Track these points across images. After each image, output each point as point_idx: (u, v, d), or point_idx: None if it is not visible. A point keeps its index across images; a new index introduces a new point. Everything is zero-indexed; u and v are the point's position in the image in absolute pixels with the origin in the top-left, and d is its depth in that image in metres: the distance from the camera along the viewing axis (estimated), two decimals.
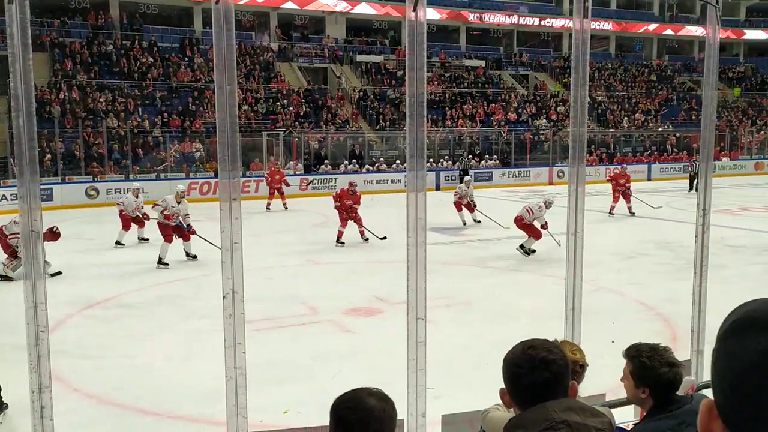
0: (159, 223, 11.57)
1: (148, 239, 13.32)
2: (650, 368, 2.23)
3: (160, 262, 11.21)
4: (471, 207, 15.72)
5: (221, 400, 3.58)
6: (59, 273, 10.51)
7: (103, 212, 18.85)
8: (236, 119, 2.79)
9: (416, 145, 2.89)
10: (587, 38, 3.31)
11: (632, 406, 3.03)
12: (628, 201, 16.83)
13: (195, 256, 11.61)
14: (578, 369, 2.61)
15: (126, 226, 13.37)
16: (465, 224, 15.56)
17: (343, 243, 13.17)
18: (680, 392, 2.35)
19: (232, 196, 2.85)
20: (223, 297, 2.87)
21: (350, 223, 13.38)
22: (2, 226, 10.73)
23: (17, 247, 10.52)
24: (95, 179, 21.63)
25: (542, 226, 12.19)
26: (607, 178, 18.67)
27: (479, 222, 15.76)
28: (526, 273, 10.88)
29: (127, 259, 12.08)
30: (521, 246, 12.08)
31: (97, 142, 23.20)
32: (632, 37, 42.36)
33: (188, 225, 11.66)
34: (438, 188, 24.59)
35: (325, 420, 1.65)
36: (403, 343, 3.15)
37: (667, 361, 2.25)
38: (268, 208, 18.99)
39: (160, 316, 8.53)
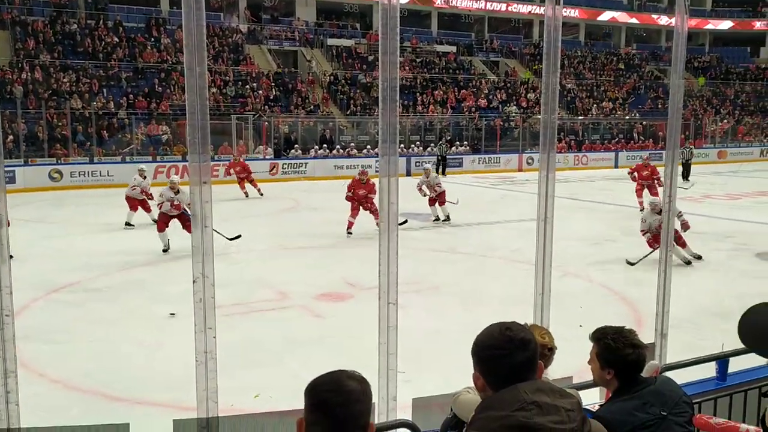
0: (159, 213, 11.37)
1: (134, 226, 13.34)
2: (615, 350, 2.28)
3: (164, 250, 11.03)
4: (442, 200, 14.49)
5: (191, 386, 3.56)
6: (10, 257, 10.16)
7: (68, 195, 18.51)
8: (206, 101, 2.76)
9: (389, 130, 2.88)
10: (559, 25, 3.34)
11: (598, 388, 3.10)
12: (653, 194, 14.52)
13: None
14: (547, 352, 2.65)
15: (134, 207, 13.26)
16: (438, 219, 14.51)
17: (351, 233, 12.59)
18: (644, 374, 2.41)
19: (203, 179, 2.82)
20: (194, 281, 2.85)
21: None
22: None
23: None
24: (59, 161, 21.14)
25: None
26: (628, 171, 16.09)
27: (447, 220, 14.47)
28: (495, 259, 10.99)
29: (94, 243, 11.87)
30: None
31: (60, 123, 22.65)
32: (601, 25, 42.82)
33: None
34: (409, 174, 24.60)
35: (296, 404, 1.63)
36: (373, 328, 3.17)
37: (632, 342, 2.30)
38: (246, 196, 18.43)
39: (127, 301, 8.42)
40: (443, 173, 25.15)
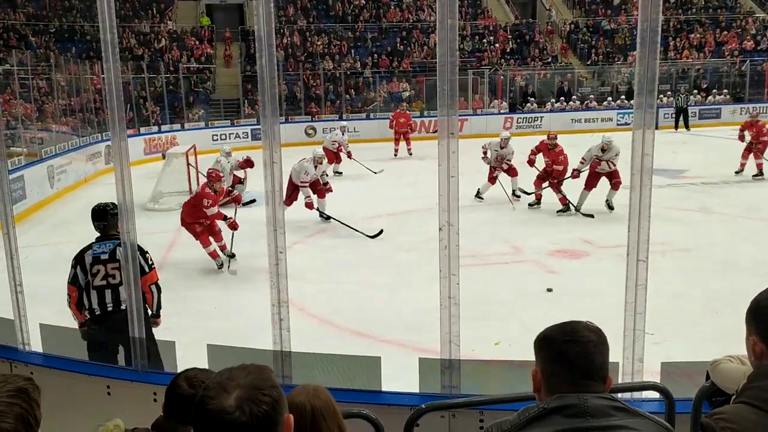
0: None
1: (341, 173, 14.87)
2: None
3: (322, 215, 10.59)
4: (514, 172, 11.89)
5: (429, 330, 3.76)
6: (253, 201, 11.09)
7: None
8: (456, 54, 2.80)
9: (647, 77, 2.68)
10: None
11: None
12: (757, 158, 13.16)
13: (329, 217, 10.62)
14: None
15: (331, 160, 14.32)
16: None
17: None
18: None
19: (451, 131, 2.90)
20: (439, 229, 2.97)
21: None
22: (212, 170, 11.23)
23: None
24: (313, 119, 23.22)
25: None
26: (740, 132, 13.79)
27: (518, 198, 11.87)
28: (757, 221, 9.76)
29: (340, 195, 12.91)
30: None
31: (315, 83, 24.78)
32: None
33: (326, 183, 11.12)
34: (656, 127, 22.70)
35: (532, 357, 1.60)
36: (611, 289, 3.03)
37: None
38: (395, 155, 17.90)
39: (370, 249, 9.07)
40: (686, 127, 22.73)
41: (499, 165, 11.68)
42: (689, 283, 7.04)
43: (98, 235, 4.42)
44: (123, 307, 3.98)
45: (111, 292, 4.26)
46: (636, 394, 2.84)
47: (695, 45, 28.43)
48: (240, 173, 12.21)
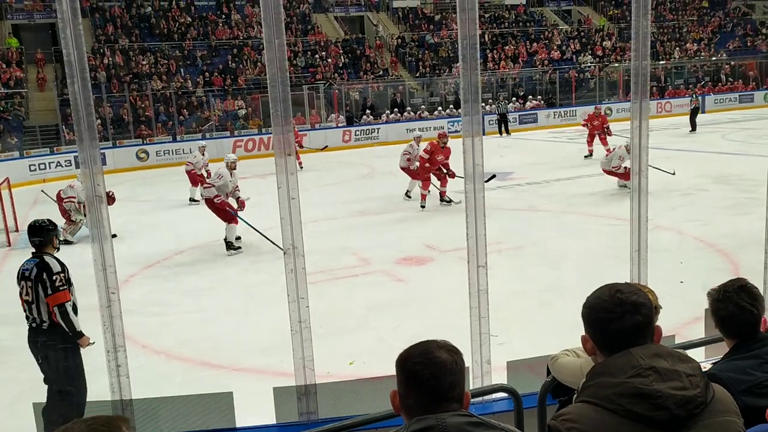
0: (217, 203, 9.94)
1: (198, 201, 13.59)
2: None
3: (229, 247, 9.70)
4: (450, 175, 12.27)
5: (282, 352, 3.65)
6: (114, 236, 10.60)
7: (154, 174, 19.28)
8: (286, 73, 2.76)
9: (470, 89, 2.80)
10: None
11: (702, 348, 2.97)
12: (604, 143, 15.98)
13: (238, 238, 9.97)
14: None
15: (195, 183, 13.63)
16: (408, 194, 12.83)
17: (425, 206, 11.96)
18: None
19: (287, 151, 2.84)
20: (284, 252, 2.89)
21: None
22: (59, 191, 11.09)
23: (70, 212, 10.90)
24: (144, 142, 22.01)
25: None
26: (582, 121, 17.79)
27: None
28: (577, 215, 10.69)
29: (182, 218, 12.36)
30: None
31: (143, 105, 23.52)
32: None
33: (238, 198, 10.18)
34: (483, 133, 24.20)
35: (388, 369, 1.60)
36: (457, 291, 3.14)
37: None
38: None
39: (215, 273, 8.73)
40: (507, 132, 24.60)
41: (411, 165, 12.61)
42: (524, 279, 7.51)
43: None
44: (39, 323, 4.22)
45: (29, 309, 4.29)
46: (487, 396, 2.95)
47: (510, 56, 30.75)
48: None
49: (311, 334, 2.95)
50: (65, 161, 19.65)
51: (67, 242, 10.60)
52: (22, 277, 4.28)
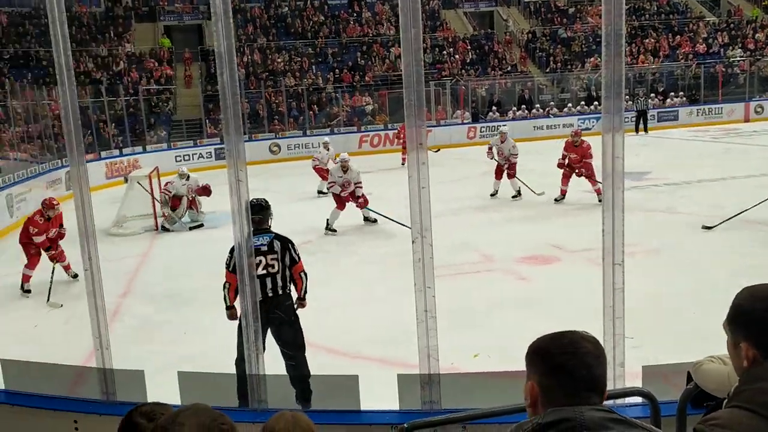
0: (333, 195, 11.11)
1: (326, 193, 14.04)
2: None
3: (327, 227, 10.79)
4: (513, 172, 12.59)
5: (400, 343, 3.66)
6: (201, 225, 11.90)
7: (286, 167, 20.14)
8: (421, 63, 2.77)
9: (613, 81, 2.68)
10: None
11: None
12: (593, 183, 11.36)
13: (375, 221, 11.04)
14: None
15: (322, 177, 14.13)
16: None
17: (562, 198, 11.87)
18: None
19: (419, 142, 2.85)
20: (413, 241, 2.92)
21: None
22: (166, 183, 12.16)
23: (161, 203, 11.87)
24: (277, 135, 23.06)
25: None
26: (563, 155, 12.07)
27: (517, 196, 12.56)
28: (717, 219, 9.94)
29: (308, 209, 12.83)
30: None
31: (277, 101, 24.66)
32: None
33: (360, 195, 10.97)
34: None
35: (510, 366, 1.54)
36: (584, 293, 3.01)
37: None
38: (403, 164, 17.64)
39: (339, 262, 8.99)
40: (645, 130, 23.23)
41: (503, 160, 12.67)
42: (661, 283, 7.10)
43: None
44: (280, 292, 4.64)
45: (270, 279, 4.64)
46: (619, 400, 2.81)
47: (650, 50, 29.11)
48: (202, 197, 12.43)
49: (436, 323, 2.95)
50: (206, 153, 21.10)
51: (165, 229, 11.59)
52: (258, 252, 4.58)
